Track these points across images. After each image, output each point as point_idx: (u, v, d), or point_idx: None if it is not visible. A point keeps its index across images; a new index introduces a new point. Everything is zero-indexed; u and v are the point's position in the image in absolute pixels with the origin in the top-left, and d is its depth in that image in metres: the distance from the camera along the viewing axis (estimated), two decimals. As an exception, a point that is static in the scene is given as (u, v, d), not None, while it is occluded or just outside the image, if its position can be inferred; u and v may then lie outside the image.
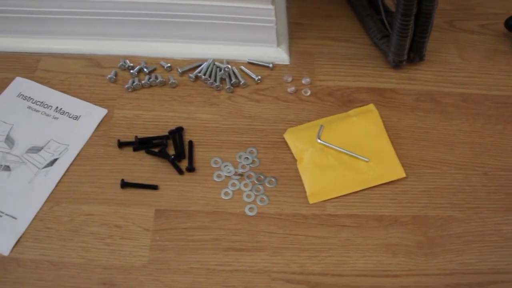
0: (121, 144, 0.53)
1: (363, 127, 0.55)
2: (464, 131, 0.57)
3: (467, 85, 0.61)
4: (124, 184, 0.51)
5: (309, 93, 0.58)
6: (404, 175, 0.52)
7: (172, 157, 0.52)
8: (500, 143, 0.56)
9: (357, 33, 0.64)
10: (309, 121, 0.56)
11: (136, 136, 0.54)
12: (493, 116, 0.58)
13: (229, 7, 0.57)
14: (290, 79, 0.59)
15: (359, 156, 0.53)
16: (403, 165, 0.53)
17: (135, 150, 0.53)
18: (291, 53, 0.62)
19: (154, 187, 0.51)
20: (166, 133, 0.54)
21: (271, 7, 0.57)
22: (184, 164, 0.53)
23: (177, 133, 0.54)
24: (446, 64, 0.62)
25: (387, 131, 0.56)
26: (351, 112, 0.56)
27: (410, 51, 0.60)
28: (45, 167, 0.52)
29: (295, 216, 0.50)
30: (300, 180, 0.52)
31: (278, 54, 0.60)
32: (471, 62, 0.63)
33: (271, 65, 0.59)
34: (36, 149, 0.53)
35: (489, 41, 0.66)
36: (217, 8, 0.57)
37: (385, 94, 0.59)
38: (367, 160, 0.53)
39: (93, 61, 0.61)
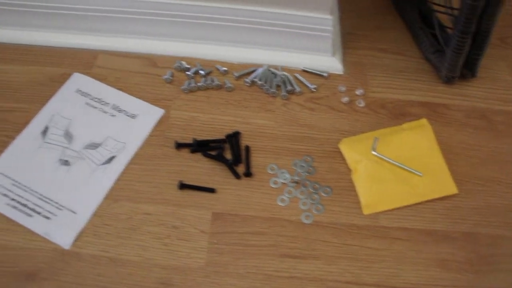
0: (179, 146, 0.54)
1: (416, 141, 0.55)
2: (515, 150, 0.59)
3: (518, 104, 0.63)
4: (182, 186, 0.52)
5: (363, 104, 0.58)
6: (456, 191, 0.53)
7: (230, 161, 0.53)
8: (551, 164, 0.58)
9: (408, 46, 0.65)
10: (362, 132, 0.57)
11: (194, 139, 0.54)
12: (544, 136, 0.60)
13: (288, 14, 0.57)
14: (344, 89, 0.60)
15: (413, 170, 0.53)
16: (455, 181, 0.54)
17: (192, 152, 0.54)
18: (344, 63, 0.62)
19: (211, 190, 0.51)
20: (223, 137, 0.55)
21: (329, 17, 0.57)
22: (240, 168, 0.53)
23: (234, 138, 0.55)
24: (497, 82, 0.63)
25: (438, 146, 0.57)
26: (405, 125, 0.57)
27: (463, 67, 0.60)
28: (103, 164, 0.53)
29: (350, 226, 0.51)
30: (354, 190, 0.53)
31: (332, 64, 0.61)
32: (522, 80, 0.65)
33: (326, 74, 0.60)
34: (94, 146, 0.54)
35: (540, 59, 0.68)
36: (275, 15, 0.58)
37: (437, 109, 0.60)
38: (420, 174, 0.53)
39: (149, 60, 0.61)
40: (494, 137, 0.58)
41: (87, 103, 0.57)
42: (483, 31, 0.56)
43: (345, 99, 0.59)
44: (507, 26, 0.69)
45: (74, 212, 0.50)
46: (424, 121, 0.58)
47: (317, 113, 0.58)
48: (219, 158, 0.53)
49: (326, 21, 0.57)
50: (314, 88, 0.59)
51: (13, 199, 0.51)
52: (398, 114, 0.59)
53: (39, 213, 0.50)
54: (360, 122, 0.58)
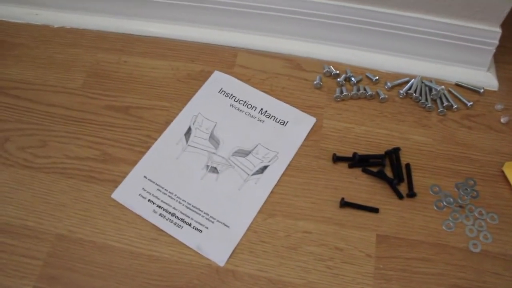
0: (337, 159, 0.50)
1: None
2: None
3: None
4: (345, 204, 0.48)
5: (523, 125, 0.56)
6: None
7: (395, 181, 0.48)
8: None
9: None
10: (524, 156, 0.55)
11: (355, 153, 0.50)
12: None
13: (451, 24, 0.53)
14: (501, 107, 0.56)
15: None
16: None
17: (350, 166, 0.50)
18: (498, 78, 0.58)
19: (375, 210, 0.48)
20: (381, 152, 0.51)
21: (498, 30, 0.53)
22: (401, 188, 0.49)
23: (394, 154, 0.51)
24: None
25: None
26: None
27: None
28: (254, 174, 0.49)
29: (520, 258, 0.49)
30: (522, 219, 0.51)
31: (487, 79, 0.57)
32: None
33: (482, 90, 0.56)
34: (243, 153, 0.50)
35: None
36: (436, 24, 0.53)
37: None
38: None
39: (293, 62, 0.57)
40: None
41: (232, 105, 0.53)
42: None
43: (504, 119, 0.55)
44: None
45: (227, 226, 0.46)
46: None
47: (475, 132, 0.54)
48: (382, 176, 0.49)
49: (493, 34, 0.53)
50: (471, 105, 0.55)
51: (159, 206, 0.47)
52: (558, 138, 0.57)
53: (189, 224, 0.46)
54: (521, 144, 0.56)
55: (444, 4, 0.52)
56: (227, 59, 0.56)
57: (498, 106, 0.56)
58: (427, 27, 0.54)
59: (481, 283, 0.46)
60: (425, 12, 0.53)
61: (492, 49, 0.55)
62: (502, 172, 0.52)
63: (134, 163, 0.50)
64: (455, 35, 0.54)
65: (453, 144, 0.53)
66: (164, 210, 0.47)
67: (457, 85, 0.57)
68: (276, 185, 0.49)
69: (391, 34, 0.55)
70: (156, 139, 0.51)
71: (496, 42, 0.54)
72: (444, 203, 0.50)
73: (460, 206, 0.50)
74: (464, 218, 0.49)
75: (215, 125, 0.51)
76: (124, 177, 0.49)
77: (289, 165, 0.50)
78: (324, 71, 0.55)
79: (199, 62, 0.56)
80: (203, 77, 0.55)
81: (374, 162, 0.50)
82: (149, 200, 0.47)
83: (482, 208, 0.50)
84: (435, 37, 0.55)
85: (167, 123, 0.52)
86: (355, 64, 0.57)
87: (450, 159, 0.52)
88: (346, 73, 0.56)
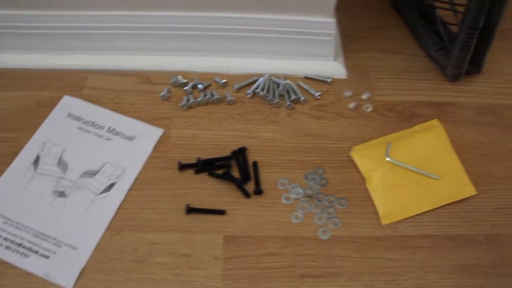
0: (182, 167, 0.51)
1: (430, 144, 0.53)
2: (528, 145, 0.57)
3: (526, 98, 0.61)
4: (190, 210, 0.48)
5: (370, 108, 0.56)
6: (474, 192, 0.51)
7: (239, 180, 0.50)
8: None
9: (410, 45, 0.63)
10: (373, 138, 0.54)
11: (198, 158, 0.51)
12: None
13: (287, 20, 0.55)
14: (349, 94, 0.57)
15: (429, 174, 0.51)
16: (471, 182, 0.52)
17: (197, 172, 0.50)
18: (346, 67, 0.60)
19: (221, 212, 0.48)
20: (228, 154, 0.52)
21: (332, 20, 0.55)
22: (249, 186, 0.50)
23: (240, 154, 0.51)
24: (503, 76, 0.61)
25: (451, 146, 0.56)
26: (417, 128, 0.55)
27: (469, 63, 0.58)
28: (102, 192, 0.49)
29: (369, 238, 0.48)
30: (370, 200, 0.50)
31: (335, 69, 0.58)
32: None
33: (329, 80, 0.58)
34: (91, 173, 0.50)
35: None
36: (273, 21, 0.55)
37: (445, 108, 0.58)
38: (437, 178, 0.51)
39: (143, 77, 0.58)
40: (506, 133, 0.56)
41: (80, 128, 0.53)
42: (490, 25, 0.54)
43: (352, 105, 0.56)
44: (507, 18, 0.67)
45: (74, 248, 0.46)
46: (435, 122, 0.56)
47: (324, 121, 0.55)
48: (227, 177, 0.50)
49: (328, 24, 0.55)
50: (319, 95, 0.57)
51: (5, 239, 0.46)
52: (408, 116, 0.57)
53: (36, 252, 0.46)
54: (370, 127, 0.55)
55: (276, 2, 0.53)
56: (77, 82, 0.57)
57: (347, 93, 0.58)
58: (266, 25, 0.55)
59: (331, 268, 0.47)
60: (262, 11, 0.55)
61: (332, 39, 0.57)
62: (350, 157, 0.54)
63: (-19, 199, 0.51)
64: (295, 30, 0.56)
65: (302, 136, 0.55)
66: (10, 242, 0.46)
67: (306, 78, 0.58)
68: (123, 200, 0.49)
69: (235, 37, 0.56)
70: (3, 172, 0.51)
71: (333, 32, 0.56)
72: (293, 195, 0.50)
73: (309, 196, 0.51)
74: (313, 207, 0.50)
75: (64, 150, 0.52)
76: (-30, 215, 0.50)
77: (136, 179, 0.50)
78: (172, 81, 0.56)
79: (48, 89, 0.56)
80: (53, 103, 0.55)
81: (221, 165, 0.51)
82: (-4, 234, 0.48)
83: (331, 195, 0.51)
84: (276, 34, 0.56)
85: (15, 154, 0.52)
86: (204, 71, 0.58)
87: (299, 151, 0.53)
88: (194, 81, 0.57)
